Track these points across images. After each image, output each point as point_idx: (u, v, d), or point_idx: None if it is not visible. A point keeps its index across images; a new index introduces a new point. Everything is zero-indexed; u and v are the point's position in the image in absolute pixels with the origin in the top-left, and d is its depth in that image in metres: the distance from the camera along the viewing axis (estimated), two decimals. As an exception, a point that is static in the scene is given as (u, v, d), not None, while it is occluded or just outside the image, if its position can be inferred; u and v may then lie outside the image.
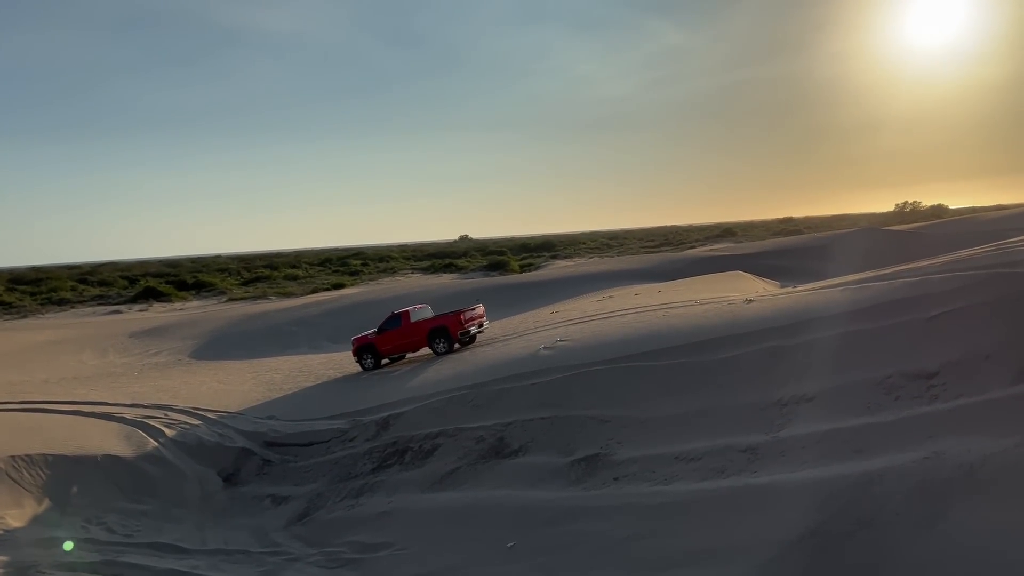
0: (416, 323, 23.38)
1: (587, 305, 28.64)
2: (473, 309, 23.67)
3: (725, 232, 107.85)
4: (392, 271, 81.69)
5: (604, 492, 11.37)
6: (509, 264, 74.92)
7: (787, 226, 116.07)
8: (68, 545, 12.41)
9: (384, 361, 23.68)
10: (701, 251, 63.11)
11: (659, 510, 10.25)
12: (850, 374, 11.62)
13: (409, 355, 24.19)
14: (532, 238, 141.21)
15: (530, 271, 67.16)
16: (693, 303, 21.28)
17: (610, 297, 30.77)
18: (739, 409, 12.15)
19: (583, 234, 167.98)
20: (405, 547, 11.77)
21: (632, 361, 14.96)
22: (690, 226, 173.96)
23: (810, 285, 22.34)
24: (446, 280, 64.60)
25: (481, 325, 23.73)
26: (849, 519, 8.42)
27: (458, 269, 77.69)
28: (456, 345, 22.75)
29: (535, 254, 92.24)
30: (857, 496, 8.66)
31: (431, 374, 19.46)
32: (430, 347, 22.93)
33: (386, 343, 23.31)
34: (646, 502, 10.58)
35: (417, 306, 25.00)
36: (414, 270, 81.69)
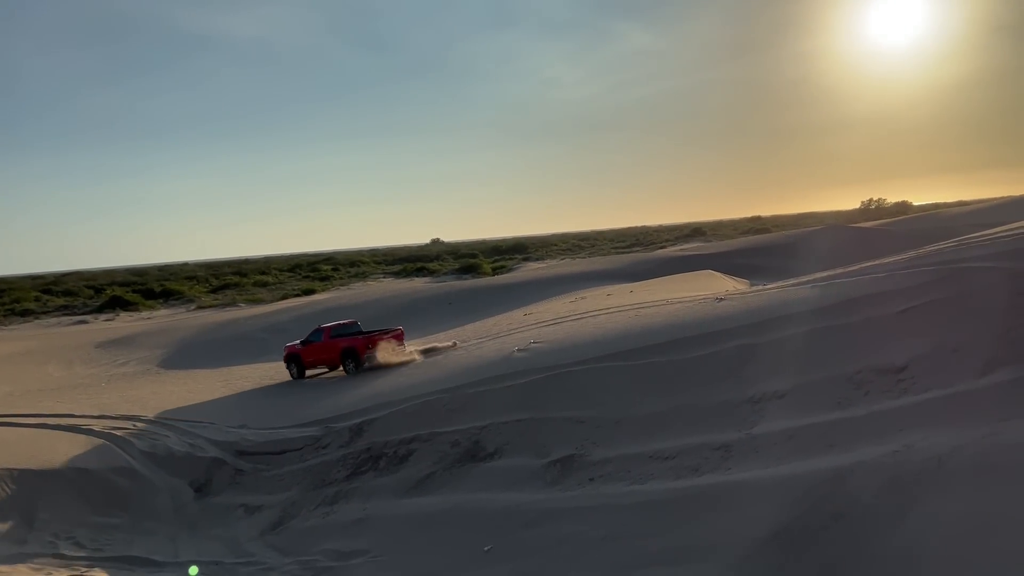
0: (333, 340, 23.59)
1: (560, 307, 28.69)
2: (392, 332, 23.72)
3: (695, 232, 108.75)
4: (363, 276, 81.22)
5: (580, 493, 11.37)
6: (481, 267, 74.88)
7: (755, 225, 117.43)
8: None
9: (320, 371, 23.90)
10: (672, 251, 63.53)
11: (635, 509, 10.27)
12: (820, 370, 11.75)
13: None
14: (504, 240, 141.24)
15: (502, 274, 67.15)
16: (665, 303, 21.40)
17: (582, 298, 30.85)
18: (712, 407, 12.22)
19: (554, 236, 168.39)
20: (381, 554, 11.68)
21: (605, 361, 14.99)
22: (660, 226, 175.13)
23: (779, 283, 22.58)
24: (418, 284, 64.32)
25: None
26: (822, 514, 8.50)
27: (430, 273, 77.45)
28: (365, 366, 22.57)
29: (507, 256, 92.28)
30: (830, 491, 8.75)
31: (404, 379, 19.36)
32: (342, 366, 23.10)
33: (309, 355, 23.68)
34: (622, 502, 10.60)
35: (343, 321, 25.41)
36: (386, 274, 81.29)
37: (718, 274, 36.62)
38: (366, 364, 22.52)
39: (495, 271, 72.05)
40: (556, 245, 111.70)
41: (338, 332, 24.02)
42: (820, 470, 9.22)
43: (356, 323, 25.49)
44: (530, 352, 17.55)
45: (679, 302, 20.61)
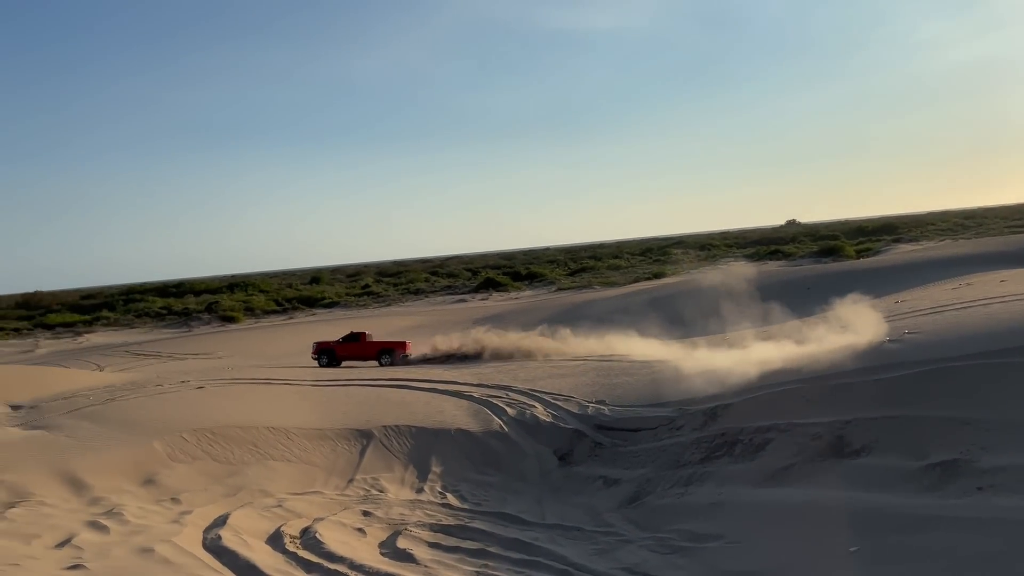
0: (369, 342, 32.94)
1: (939, 293, 25.76)
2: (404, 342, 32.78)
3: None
4: (714, 259, 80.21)
5: (967, 502, 10.14)
6: (843, 249, 69.65)
7: None
8: None
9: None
10: (1087, 229, 53.38)
11: (1041, 528, 8.90)
12: None
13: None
14: (869, 220, 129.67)
15: (868, 256, 61.97)
16: (1079, 291, 18.12)
17: (968, 284, 27.36)
18: None
19: (931, 214, 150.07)
20: (736, 540, 11.53)
21: (999, 357, 13.15)
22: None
23: None
24: (772, 267, 61.93)
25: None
26: None
27: (785, 256, 74.05)
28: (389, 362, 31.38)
29: (873, 238, 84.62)
30: None
31: (760, 365, 18.81)
32: (378, 360, 31.77)
33: (344, 351, 32.43)
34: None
35: (356, 331, 34.52)
36: (737, 257, 79.41)
37: None
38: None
39: (859, 254, 66.67)
40: (933, 224, 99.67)
41: (348, 339, 33.13)
42: None
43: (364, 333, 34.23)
44: (904, 343, 16.01)
45: (1099, 290, 17.31)
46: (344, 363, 32.26)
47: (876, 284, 34.96)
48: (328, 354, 32.46)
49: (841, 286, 36.08)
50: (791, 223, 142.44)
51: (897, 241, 78.90)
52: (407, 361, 31.29)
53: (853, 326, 20.94)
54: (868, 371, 14.77)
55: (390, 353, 31.85)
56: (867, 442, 12.66)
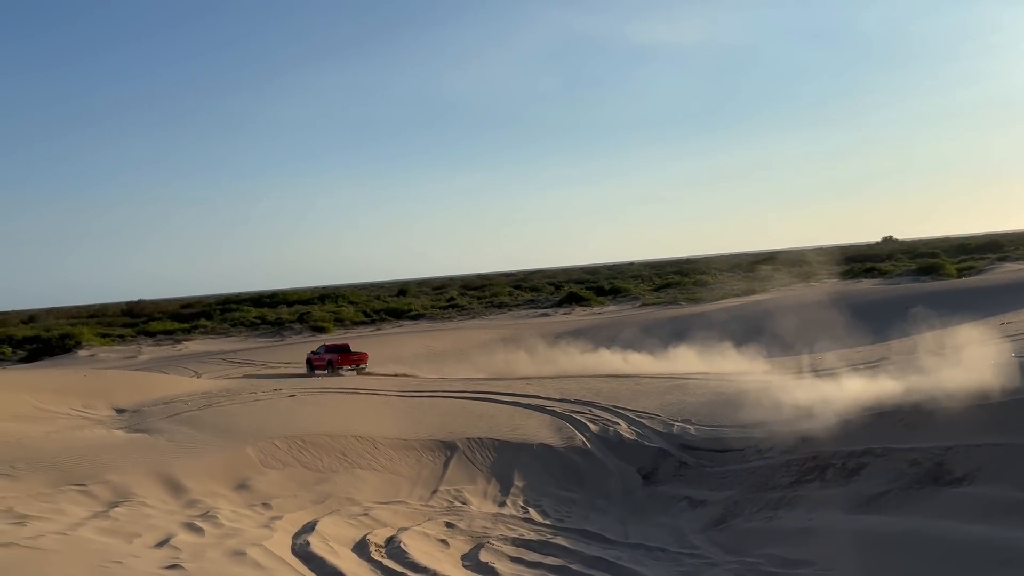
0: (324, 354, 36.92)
1: (1050, 315, 24.31)
2: (358, 354, 36.45)
3: None
4: (806, 276, 77.91)
5: (1081, 539, 9.54)
6: (943, 268, 66.62)
7: None
8: None
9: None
10: None
11: None
12: None
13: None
14: (972, 238, 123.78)
15: (970, 275, 59.19)
16: None
17: (1082, 306, 25.76)
18: None
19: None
20: (828, 568, 11.13)
21: (1118, 384, 12.33)
22: None
23: None
24: (867, 285, 59.83)
25: (359, 366, 35.60)
26: None
27: (881, 274, 71.34)
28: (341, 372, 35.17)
29: (976, 256, 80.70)
30: None
31: (853, 386, 18.17)
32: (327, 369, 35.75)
33: (317, 361, 36.73)
34: None
35: (336, 343, 40.63)
36: (831, 274, 76.94)
37: None
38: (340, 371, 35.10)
39: (961, 273, 63.72)
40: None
41: (330, 349, 37.13)
42: None
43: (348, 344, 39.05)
44: (1011, 367, 15.19)
45: None
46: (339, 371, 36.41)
47: (980, 304, 33.37)
48: (309, 364, 37.55)
49: (941, 306, 34.56)
50: (888, 240, 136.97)
51: (1003, 259, 74.94)
52: (352, 371, 35.48)
53: (956, 348, 19.98)
54: (972, 395, 14.07)
55: (331, 364, 36.30)
56: (969, 470, 12.06)
